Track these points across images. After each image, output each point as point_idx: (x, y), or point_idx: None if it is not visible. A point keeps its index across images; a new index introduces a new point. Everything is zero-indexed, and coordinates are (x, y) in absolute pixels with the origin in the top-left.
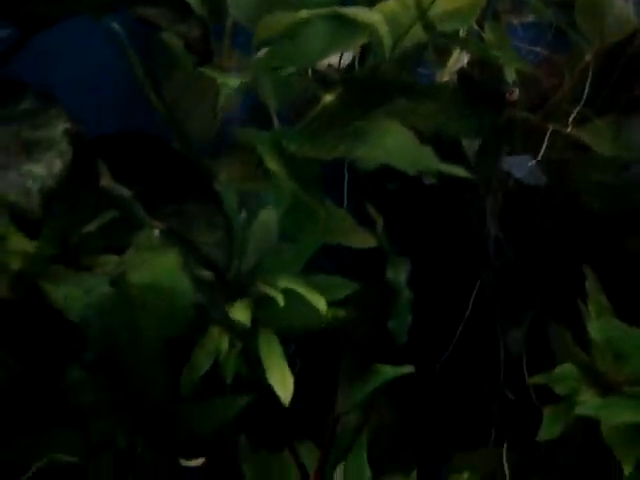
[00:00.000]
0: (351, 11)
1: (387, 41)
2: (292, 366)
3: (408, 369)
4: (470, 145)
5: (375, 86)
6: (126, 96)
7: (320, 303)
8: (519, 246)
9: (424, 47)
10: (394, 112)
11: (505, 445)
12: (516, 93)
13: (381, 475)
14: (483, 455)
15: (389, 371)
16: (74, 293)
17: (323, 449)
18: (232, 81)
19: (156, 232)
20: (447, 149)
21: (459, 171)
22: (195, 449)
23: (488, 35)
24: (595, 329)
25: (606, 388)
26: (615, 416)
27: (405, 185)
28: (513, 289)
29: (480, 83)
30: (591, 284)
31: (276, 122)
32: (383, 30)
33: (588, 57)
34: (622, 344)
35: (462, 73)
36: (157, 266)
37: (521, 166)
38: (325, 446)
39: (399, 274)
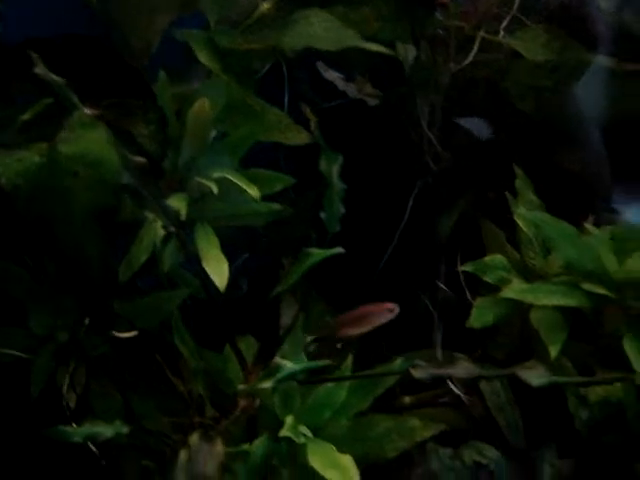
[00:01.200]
0: None
1: None
2: None
3: (337, 250)
4: (406, 55)
5: None
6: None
7: (253, 191)
8: (457, 151)
9: None
10: (329, 19)
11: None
12: None
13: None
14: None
15: (319, 253)
16: (5, 161)
17: (262, 340)
18: None
19: (87, 111)
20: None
21: (380, 48)
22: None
23: None
24: (523, 220)
25: (536, 280)
26: (541, 299)
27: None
28: (448, 191)
29: None
30: (521, 183)
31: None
32: None
33: None
34: (550, 235)
35: None
36: (87, 139)
37: (480, 127)
38: (263, 336)
39: (331, 166)
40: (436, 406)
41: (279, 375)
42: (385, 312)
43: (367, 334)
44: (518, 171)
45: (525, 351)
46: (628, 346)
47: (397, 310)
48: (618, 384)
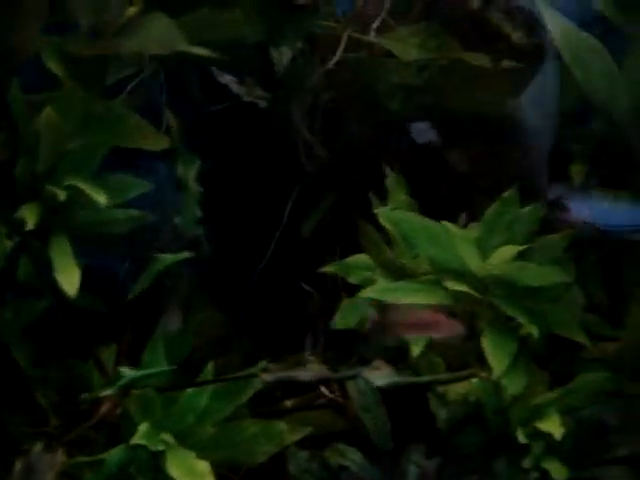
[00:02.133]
0: None
1: None
2: None
3: (185, 255)
4: (280, 57)
5: None
6: None
7: (101, 198)
8: (333, 152)
9: None
10: (197, 22)
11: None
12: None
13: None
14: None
15: (168, 258)
16: None
17: (120, 347)
18: None
19: None
20: (254, 58)
21: (205, 52)
22: None
23: None
24: (384, 218)
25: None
26: (402, 299)
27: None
28: (318, 192)
29: None
30: (392, 182)
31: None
32: None
33: None
34: (410, 233)
35: None
36: None
37: (423, 133)
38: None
39: (188, 170)
40: (316, 408)
41: (119, 382)
42: (454, 326)
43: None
44: (388, 170)
45: (397, 352)
46: (486, 343)
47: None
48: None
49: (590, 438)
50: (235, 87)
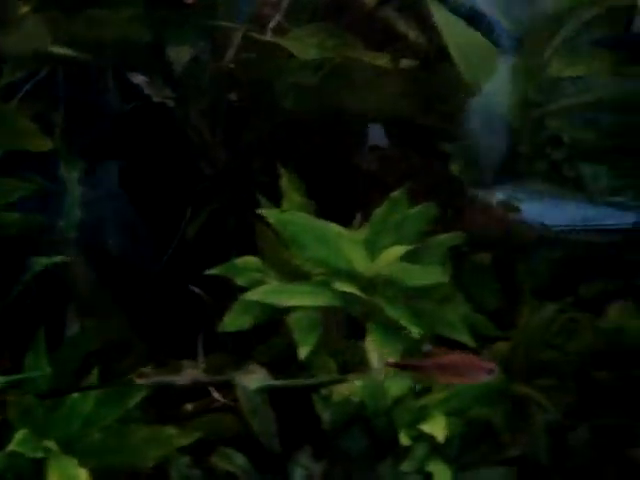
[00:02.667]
0: None
1: None
2: None
3: (61, 258)
4: (178, 57)
5: None
6: None
7: None
8: (232, 153)
9: None
10: (86, 24)
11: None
12: None
13: None
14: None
15: (42, 261)
16: None
17: None
18: None
19: None
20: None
21: (67, 52)
22: None
23: None
24: (273, 219)
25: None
26: (286, 300)
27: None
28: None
29: None
30: (286, 183)
31: None
32: None
33: None
34: (296, 234)
35: None
36: None
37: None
38: None
39: (71, 172)
40: (214, 412)
41: None
42: (486, 371)
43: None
44: (283, 171)
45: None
46: (370, 344)
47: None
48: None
49: (477, 439)
50: (147, 87)
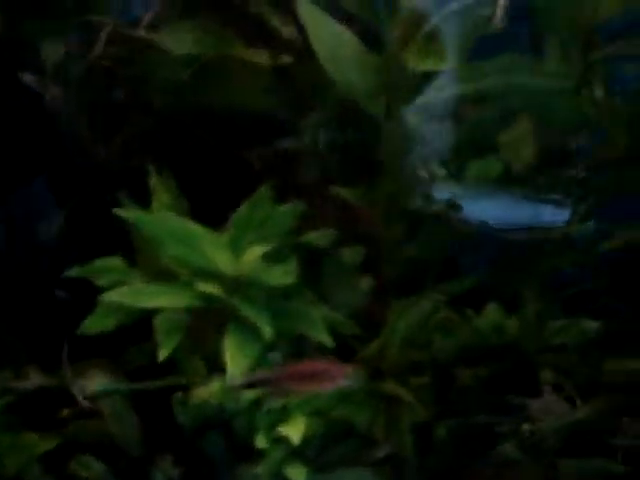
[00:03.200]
0: None
1: None
2: None
3: None
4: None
5: None
6: None
7: None
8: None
9: None
10: None
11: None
12: None
13: None
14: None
15: None
16: None
17: None
18: None
19: None
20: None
21: None
22: None
23: None
24: (131, 218)
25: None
26: (144, 302)
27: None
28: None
29: None
30: (155, 182)
31: None
32: None
33: None
34: (154, 234)
35: None
36: None
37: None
38: None
39: None
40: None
41: None
42: (343, 376)
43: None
44: (152, 170)
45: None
46: (227, 346)
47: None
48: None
49: (338, 440)
50: (37, 86)
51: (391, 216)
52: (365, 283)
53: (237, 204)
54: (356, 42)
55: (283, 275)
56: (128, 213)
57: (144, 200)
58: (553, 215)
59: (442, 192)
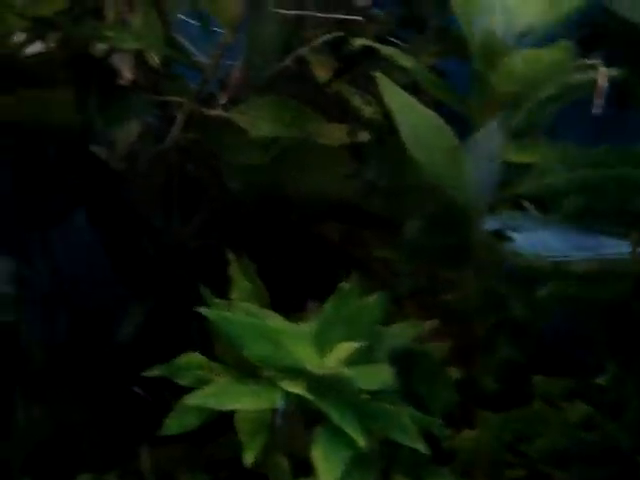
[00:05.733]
0: None
1: None
2: None
3: None
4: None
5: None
6: None
7: None
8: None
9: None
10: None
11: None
12: (127, 77)
13: None
14: None
15: None
16: None
17: None
18: None
19: None
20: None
21: None
22: None
23: (136, 20)
24: (211, 316)
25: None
26: (227, 404)
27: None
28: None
29: (93, 67)
30: (235, 269)
31: None
32: None
33: (227, 35)
34: (237, 333)
35: (76, 57)
36: None
37: None
38: None
39: None
40: None
41: None
42: None
43: None
44: (231, 257)
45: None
46: (316, 453)
47: None
48: None
49: None
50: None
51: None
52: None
53: (315, 288)
54: (446, 129)
55: (373, 376)
56: (212, 313)
57: (221, 285)
58: (617, 246)
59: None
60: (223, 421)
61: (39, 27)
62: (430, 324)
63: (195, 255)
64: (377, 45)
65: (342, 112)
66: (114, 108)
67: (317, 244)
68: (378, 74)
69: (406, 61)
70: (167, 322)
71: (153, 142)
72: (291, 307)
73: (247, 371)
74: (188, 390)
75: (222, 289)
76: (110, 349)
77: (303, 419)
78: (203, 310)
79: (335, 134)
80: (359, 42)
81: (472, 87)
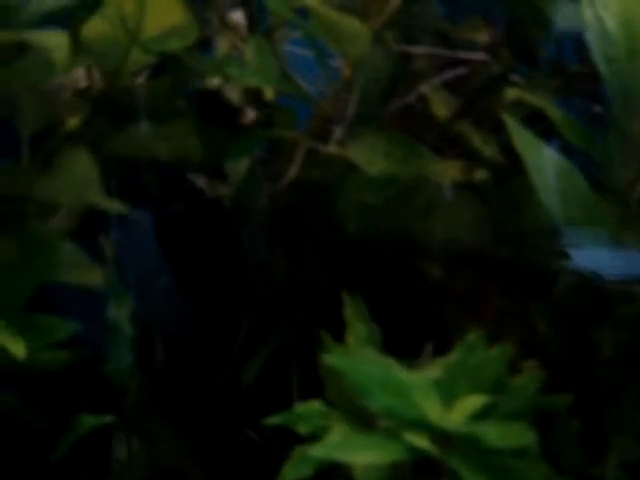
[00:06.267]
0: (31, 36)
1: (63, 65)
2: None
3: (109, 419)
4: (235, 169)
5: (116, 109)
6: None
7: (18, 351)
8: (286, 275)
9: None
10: (136, 137)
11: None
12: (250, 115)
13: None
14: None
15: (91, 420)
16: None
17: None
18: None
19: None
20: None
21: (118, 207)
22: None
23: (249, 52)
24: (335, 363)
25: (364, 423)
26: (353, 456)
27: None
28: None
29: (216, 104)
30: (350, 312)
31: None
32: (59, 55)
33: (346, 71)
34: (360, 381)
35: (200, 93)
36: None
37: None
38: None
39: (120, 311)
40: None
41: None
42: None
43: None
44: (346, 298)
45: None
46: None
47: None
48: None
49: None
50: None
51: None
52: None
53: (428, 334)
54: (577, 175)
55: (503, 432)
56: (337, 361)
57: (334, 325)
58: None
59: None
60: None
61: (164, 62)
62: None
63: (309, 295)
64: (498, 83)
65: (451, 147)
66: (235, 144)
67: (435, 290)
68: (505, 115)
69: (537, 101)
70: (280, 364)
71: (262, 177)
72: (403, 351)
73: (362, 419)
74: (297, 436)
75: (335, 330)
76: (219, 390)
77: (426, 476)
78: (327, 357)
79: (448, 171)
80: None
81: (608, 132)
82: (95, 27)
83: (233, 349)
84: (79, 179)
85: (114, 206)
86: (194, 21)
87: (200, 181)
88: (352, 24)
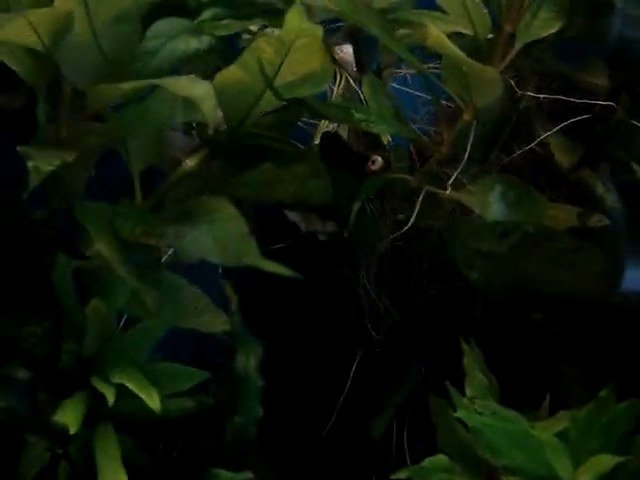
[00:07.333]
0: (174, 83)
1: (211, 116)
2: None
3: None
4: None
5: (239, 151)
6: None
7: (153, 401)
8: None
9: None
10: (258, 179)
11: None
12: (379, 162)
13: None
14: None
15: (227, 477)
16: None
17: None
18: (44, 166)
19: None
20: (329, 213)
21: (275, 267)
22: None
23: (365, 92)
24: (468, 421)
25: (486, 475)
26: None
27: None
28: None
29: (341, 149)
30: (469, 361)
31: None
32: (207, 106)
33: (467, 116)
34: (492, 439)
35: (324, 137)
36: None
37: None
38: None
39: (249, 361)
40: None
41: None
42: None
43: None
44: (465, 348)
45: None
46: None
47: None
48: None
49: None
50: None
51: None
52: None
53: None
54: None
55: None
56: (472, 419)
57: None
58: None
59: None
60: None
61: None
62: None
63: (426, 343)
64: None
65: (578, 198)
66: (364, 189)
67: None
68: (634, 164)
69: None
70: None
71: (377, 217)
72: (518, 402)
73: (481, 472)
74: None
75: (452, 377)
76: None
77: None
78: (463, 415)
79: (559, 216)
80: None
81: None
82: (230, 73)
83: (341, 391)
84: (233, 236)
85: (273, 267)
86: (331, 66)
87: (292, 216)
88: (485, 71)
